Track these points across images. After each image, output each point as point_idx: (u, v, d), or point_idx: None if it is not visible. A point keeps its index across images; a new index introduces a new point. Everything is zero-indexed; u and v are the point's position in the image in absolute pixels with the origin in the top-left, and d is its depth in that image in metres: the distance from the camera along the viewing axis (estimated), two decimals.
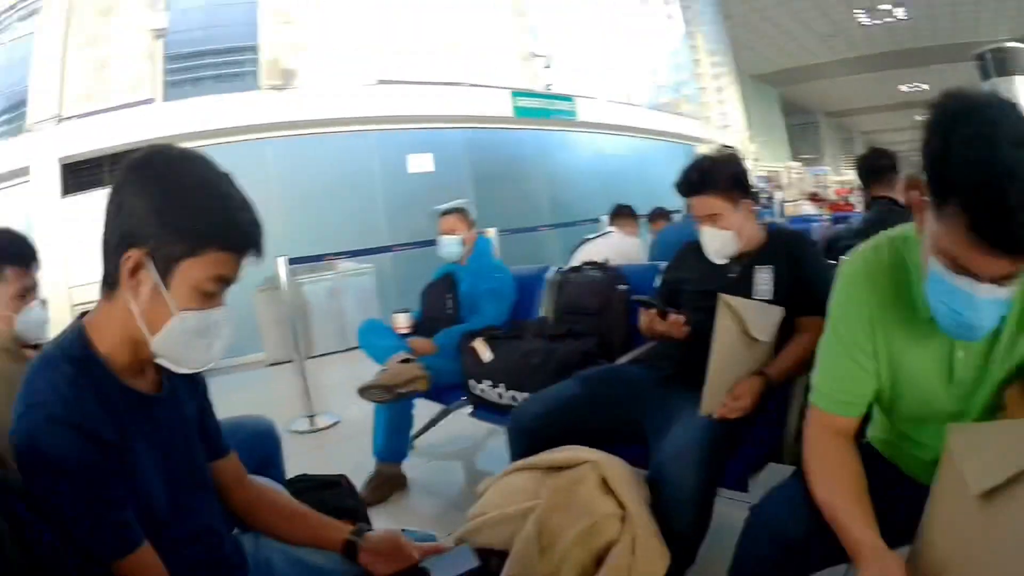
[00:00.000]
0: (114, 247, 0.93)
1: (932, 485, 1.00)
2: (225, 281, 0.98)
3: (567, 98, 11.39)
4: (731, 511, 1.59)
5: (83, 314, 1.02)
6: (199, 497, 1.09)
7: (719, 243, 1.93)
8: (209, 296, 0.96)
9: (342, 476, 1.57)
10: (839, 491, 1.09)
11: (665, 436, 1.66)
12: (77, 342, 0.97)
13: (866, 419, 1.28)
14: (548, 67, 11.28)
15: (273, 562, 1.21)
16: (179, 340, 0.96)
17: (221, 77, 8.58)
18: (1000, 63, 16.55)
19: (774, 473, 1.71)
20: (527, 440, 1.81)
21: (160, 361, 0.98)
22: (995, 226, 0.85)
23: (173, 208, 0.91)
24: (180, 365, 0.99)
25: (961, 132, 0.86)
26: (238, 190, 0.97)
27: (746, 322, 1.71)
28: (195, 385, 1.16)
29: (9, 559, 0.79)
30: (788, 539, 1.15)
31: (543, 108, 10.89)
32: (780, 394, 1.78)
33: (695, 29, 17.04)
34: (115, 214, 0.94)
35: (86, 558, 0.89)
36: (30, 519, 0.84)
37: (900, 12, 17.59)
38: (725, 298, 1.70)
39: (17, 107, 8.12)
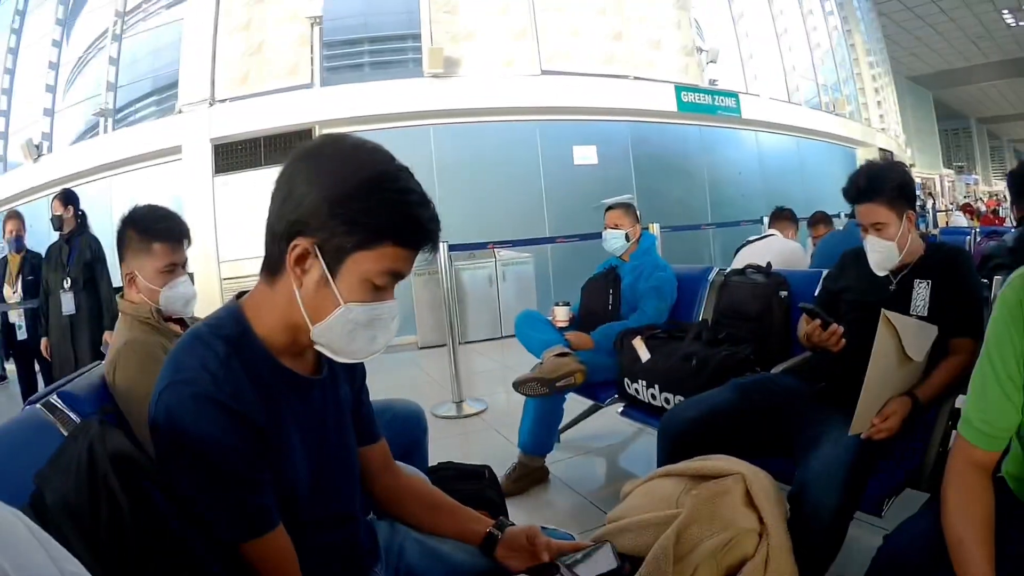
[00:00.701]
0: (281, 233, 0.92)
1: None
2: (397, 275, 0.95)
3: (731, 94, 10.98)
4: (862, 534, 1.58)
5: (240, 294, 1.03)
6: (342, 481, 1.08)
7: (883, 254, 1.87)
8: (379, 289, 0.94)
9: (486, 467, 1.57)
10: (968, 527, 1.06)
11: (812, 453, 1.62)
12: (233, 321, 0.97)
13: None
14: (713, 62, 10.90)
15: (406, 551, 1.21)
16: (343, 331, 0.94)
17: (380, 64, 8.89)
18: None
19: (910, 499, 1.65)
20: (676, 445, 1.78)
21: (320, 349, 0.97)
22: None
23: (349, 199, 0.89)
24: (341, 355, 0.98)
25: None
26: (417, 184, 0.94)
27: (903, 339, 1.64)
28: (354, 370, 1.15)
29: (126, 537, 0.80)
30: (916, 573, 1.13)
31: (707, 104, 10.56)
32: (923, 418, 1.72)
33: (852, 27, 15.96)
34: (283, 201, 0.92)
35: (212, 545, 0.88)
36: (157, 499, 0.85)
37: None
38: (888, 314, 1.62)
39: (168, 89, 8.78)
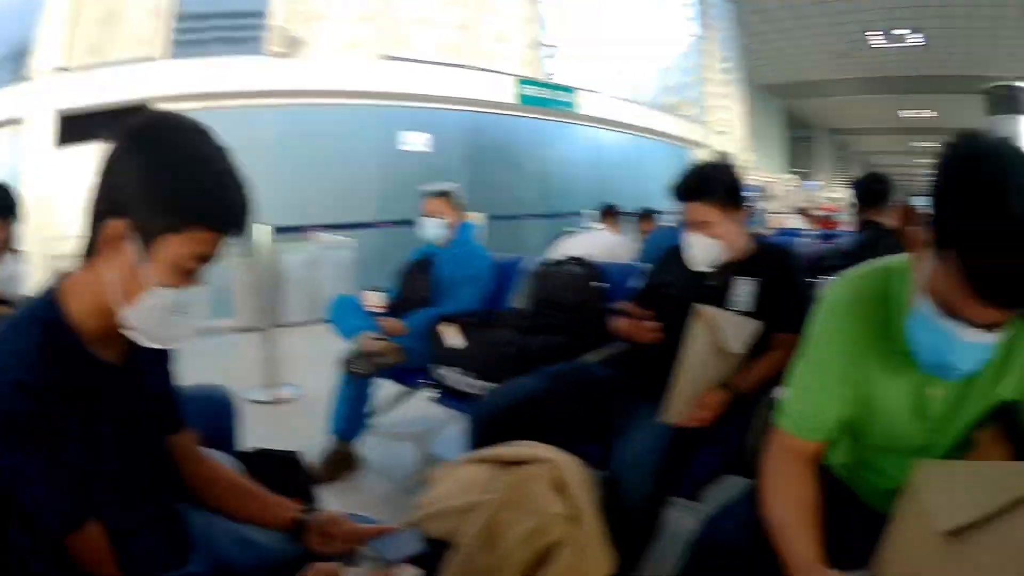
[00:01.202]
0: (98, 213, 0.91)
1: (893, 515, 1.00)
2: (205, 258, 0.95)
3: (569, 89, 11.33)
4: (681, 518, 1.60)
5: (62, 274, 0.98)
6: (149, 470, 1.07)
7: (704, 251, 1.91)
8: (188, 273, 0.94)
9: (295, 453, 1.51)
10: (789, 511, 1.09)
11: (625, 440, 1.66)
12: (48, 305, 0.94)
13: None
14: (552, 57, 11.21)
15: (218, 539, 1.17)
16: (151, 316, 0.94)
17: (227, 40, 8.51)
18: (1007, 100, 17.14)
19: (729, 485, 1.71)
20: (488, 432, 1.77)
21: (129, 334, 0.96)
22: (994, 279, 0.84)
23: (161, 181, 0.89)
24: (150, 340, 0.97)
25: (971, 178, 0.86)
26: (233, 166, 0.94)
27: (720, 333, 1.71)
28: (162, 355, 1.13)
29: None
30: (735, 556, 1.15)
31: (546, 98, 10.83)
32: (743, 407, 1.75)
33: (711, 33, 17.01)
34: (104, 179, 0.91)
35: (37, 540, 0.88)
36: None
37: (917, 38, 17.76)
38: (699, 308, 1.70)
39: (20, 56, 8.03)
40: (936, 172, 0.90)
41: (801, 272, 1.96)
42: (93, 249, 0.93)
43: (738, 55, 18.18)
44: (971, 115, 19.08)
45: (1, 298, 1.64)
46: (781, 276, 1.88)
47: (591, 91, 11.83)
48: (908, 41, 17.92)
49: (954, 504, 0.90)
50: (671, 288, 2.02)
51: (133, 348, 1.01)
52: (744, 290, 1.88)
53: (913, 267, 1.01)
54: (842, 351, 1.12)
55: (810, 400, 1.17)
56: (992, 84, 17.85)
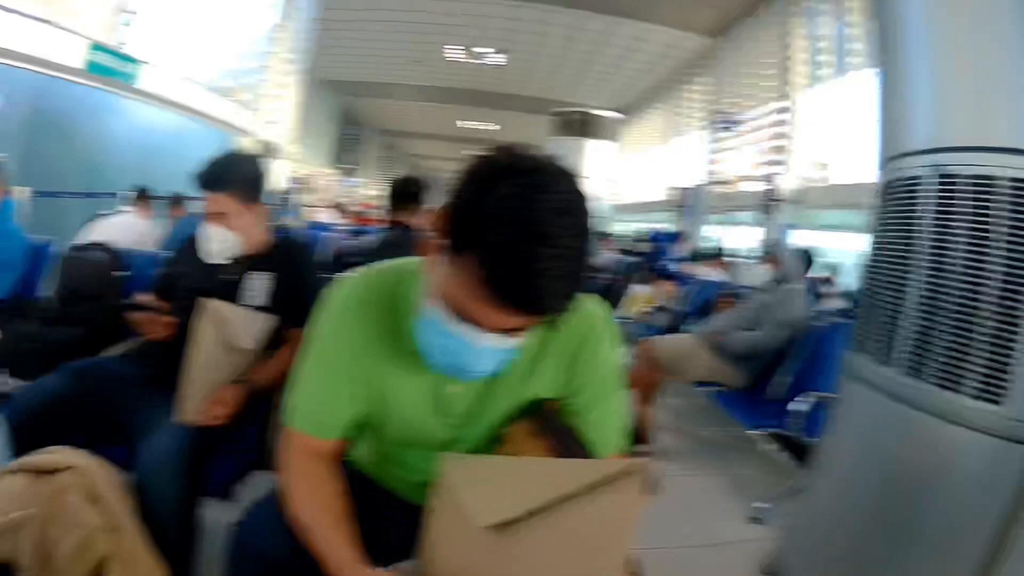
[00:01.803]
0: None
1: (428, 509, 0.99)
2: None
3: (136, 61, 10.13)
4: (218, 521, 1.52)
5: None
6: None
7: (218, 243, 1.88)
8: None
9: None
10: (319, 515, 1.07)
11: (146, 442, 1.60)
12: None
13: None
14: (128, 24, 9.91)
15: None
16: None
17: None
18: (575, 124, 18.98)
19: (259, 482, 1.72)
20: (24, 437, 1.56)
21: None
22: (517, 286, 0.84)
23: None
24: None
25: (502, 187, 0.84)
26: None
27: (228, 328, 1.71)
28: None
29: None
30: (272, 560, 1.13)
31: (114, 68, 9.52)
32: (263, 402, 1.76)
33: (289, 23, 16.66)
34: None
35: None
36: None
37: (499, 58, 18.94)
38: (206, 302, 1.70)
39: None
40: (465, 179, 0.88)
41: (314, 267, 1.99)
42: None
43: (309, 47, 18.01)
44: (535, 133, 20.85)
45: None
46: (296, 270, 1.90)
47: (154, 65, 10.73)
48: (488, 60, 19.16)
49: (489, 501, 0.92)
50: (186, 280, 1.95)
51: None
52: (258, 284, 1.87)
53: (426, 269, 0.98)
54: (350, 349, 1.10)
55: (320, 399, 1.13)
56: (563, 108, 19.59)
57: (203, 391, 1.68)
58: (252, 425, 1.78)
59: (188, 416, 1.65)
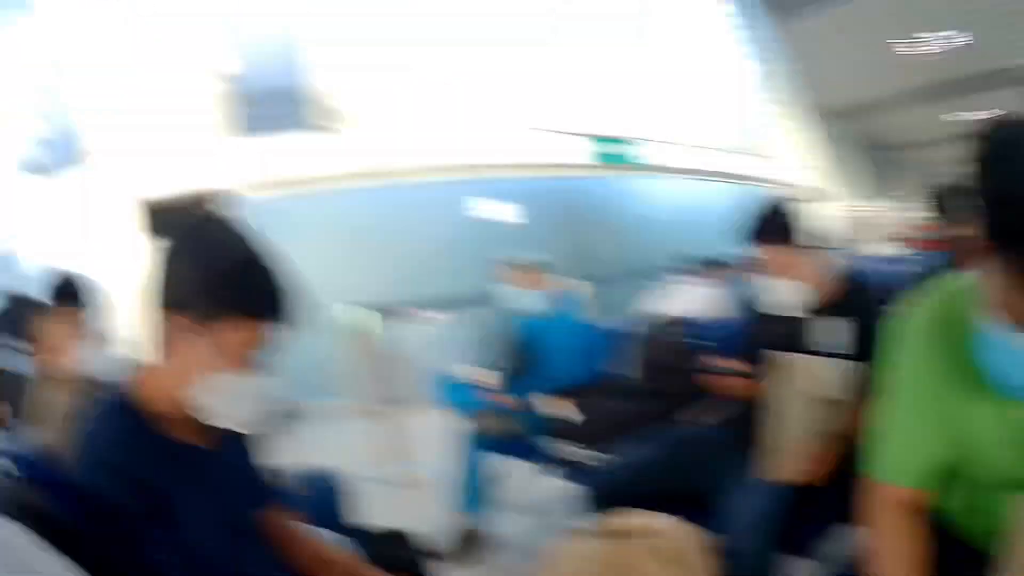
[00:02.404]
0: (162, 306, 1.04)
1: (999, 557, 0.92)
2: (256, 344, 1.06)
3: (635, 142, 11.02)
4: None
5: (140, 365, 1.11)
6: (251, 548, 1.15)
7: (782, 294, 1.85)
8: (244, 358, 1.05)
9: (401, 531, 1.58)
10: (901, 568, 1.02)
11: (730, 502, 1.62)
12: (128, 396, 1.07)
13: None
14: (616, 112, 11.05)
15: None
16: (215, 399, 1.04)
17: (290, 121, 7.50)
18: None
19: (842, 538, 1.63)
20: (605, 502, 1.74)
21: (199, 417, 1.06)
22: None
23: (205, 278, 1.02)
24: (218, 420, 1.07)
25: (1015, 166, 0.75)
26: (268, 259, 1.06)
27: (810, 380, 1.66)
28: (249, 437, 1.23)
29: None
30: None
31: (618, 153, 10.69)
32: (846, 452, 1.66)
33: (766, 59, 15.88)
34: (163, 276, 1.04)
35: None
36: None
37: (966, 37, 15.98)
38: (783, 356, 1.67)
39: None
40: (978, 170, 0.78)
41: (887, 307, 1.84)
42: (162, 342, 1.06)
43: (792, 77, 17.20)
44: None
45: (88, 382, 1.80)
46: (870, 313, 1.75)
47: (655, 141, 11.53)
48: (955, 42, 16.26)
49: None
50: (759, 337, 1.94)
51: (224, 431, 1.11)
52: (833, 331, 1.79)
53: (979, 281, 0.88)
54: (922, 385, 1.03)
55: (905, 442, 1.07)
56: None
57: (789, 447, 1.65)
58: (835, 478, 1.69)
59: (774, 474, 1.64)
